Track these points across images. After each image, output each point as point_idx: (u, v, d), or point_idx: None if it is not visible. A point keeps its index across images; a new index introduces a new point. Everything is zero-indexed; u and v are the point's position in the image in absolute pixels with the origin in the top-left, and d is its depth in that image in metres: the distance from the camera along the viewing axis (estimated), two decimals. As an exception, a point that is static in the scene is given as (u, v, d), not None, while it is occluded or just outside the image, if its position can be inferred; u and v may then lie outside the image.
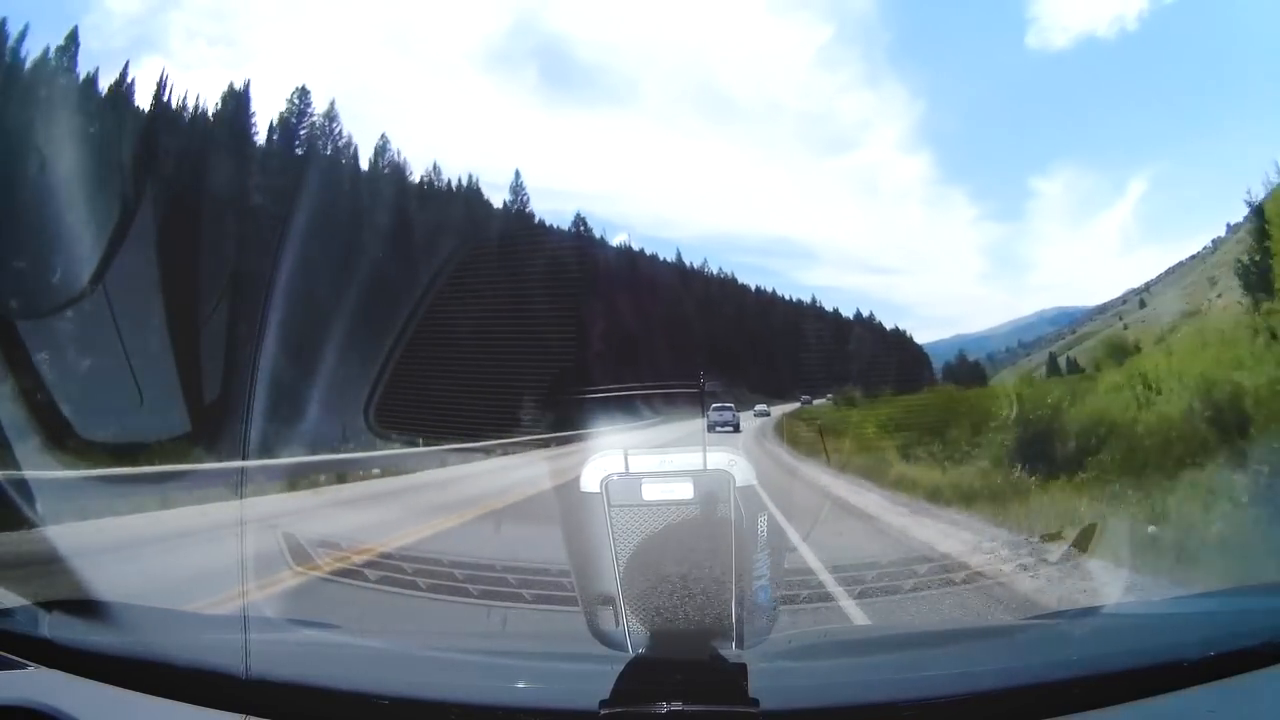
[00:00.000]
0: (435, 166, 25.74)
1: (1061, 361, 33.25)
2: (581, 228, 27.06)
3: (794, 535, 5.81)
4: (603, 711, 1.22)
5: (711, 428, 19.77)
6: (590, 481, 1.33)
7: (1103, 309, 40.27)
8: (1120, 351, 21.20)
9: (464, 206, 23.64)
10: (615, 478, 1.32)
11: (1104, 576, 4.22)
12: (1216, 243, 40.03)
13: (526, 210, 26.44)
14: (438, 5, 41.79)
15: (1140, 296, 38.77)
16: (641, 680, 1.25)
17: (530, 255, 21.84)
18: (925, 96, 49.36)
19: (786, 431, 19.81)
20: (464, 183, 25.33)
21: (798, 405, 26.76)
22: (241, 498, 7.40)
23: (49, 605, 1.86)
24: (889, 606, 4.06)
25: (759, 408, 25.89)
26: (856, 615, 3.92)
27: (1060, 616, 2.82)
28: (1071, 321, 40.87)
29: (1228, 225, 39.77)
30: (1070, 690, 1.35)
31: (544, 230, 25.77)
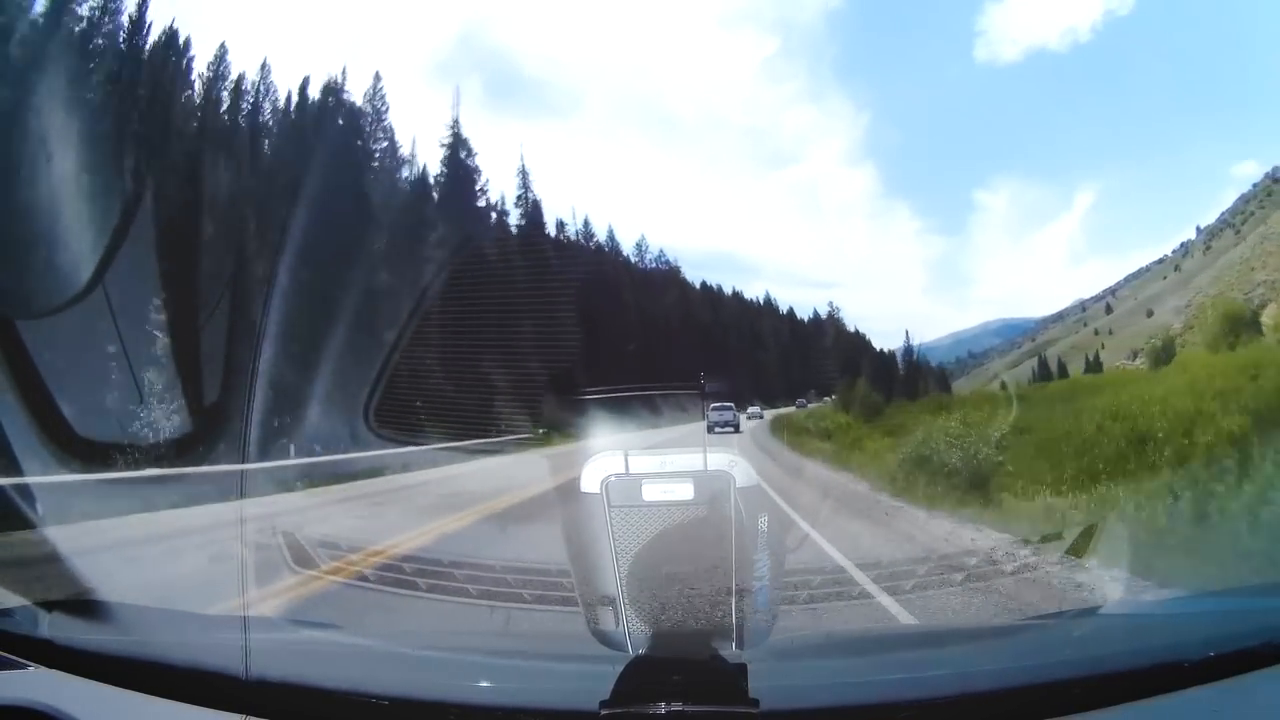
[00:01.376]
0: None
1: (1028, 367, 33.56)
2: (561, 232, 26.95)
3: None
4: (603, 711, 1.22)
5: (711, 428, 19.43)
6: (590, 482, 1.33)
7: (1060, 316, 40.51)
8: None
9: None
10: (615, 478, 1.32)
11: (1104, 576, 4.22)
12: (1187, 245, 40.45)
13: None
14: (386, 16, 41.71)
15: (1106, 301, 39.02)
16: (641, 680, 1.25)
17: (520, 261, 21.81)
18: (870, 110, 49.39)
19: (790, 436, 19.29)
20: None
21: (792, 409, 26.71)
22: (242, 497, 7.41)
23: (49, 605, 1.86)
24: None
25: (752, 410, 25.61)
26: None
27: (1060, 616, 2.82)
28: (1016, 333, 41.03)
29: (1198, 228, 40.27)
30: (1070, 690, 1.35)
31: (539, 235, 25.72)
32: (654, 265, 29.84)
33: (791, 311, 32.24)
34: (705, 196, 48.72)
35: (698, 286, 31.67)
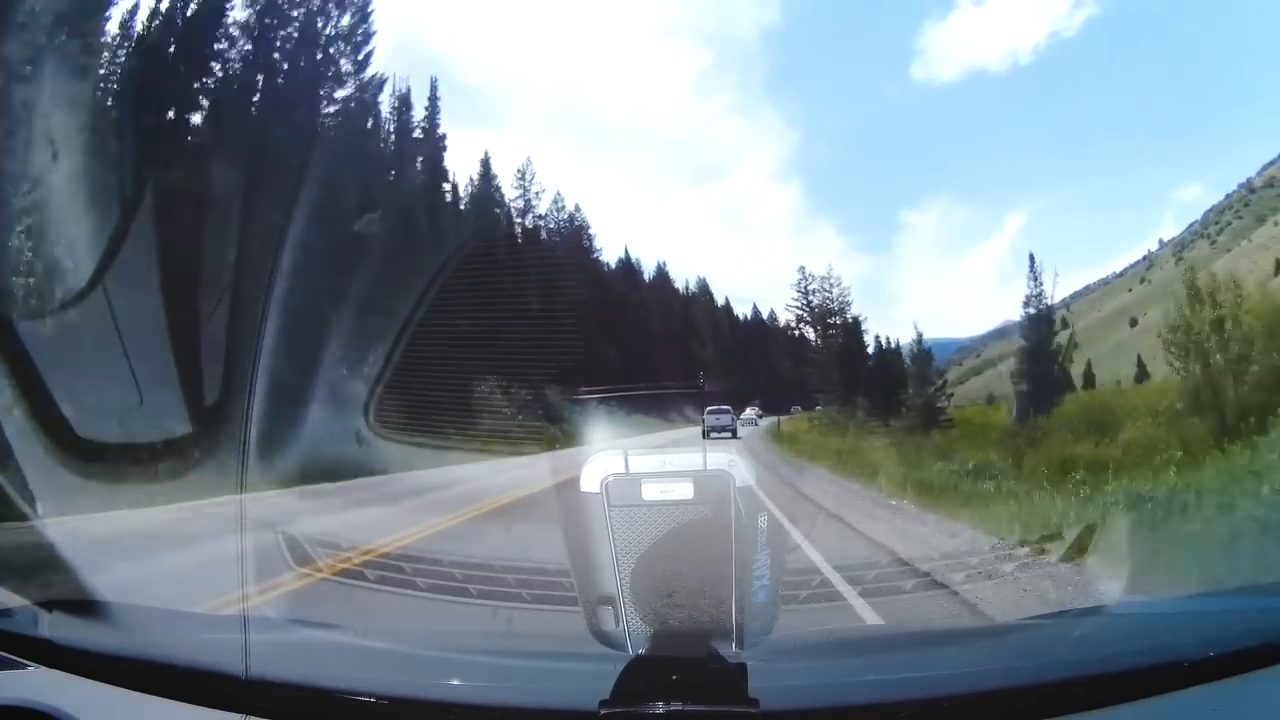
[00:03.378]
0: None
1: (977, 384, 33.42)
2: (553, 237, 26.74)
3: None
4: (603, 711, 1.22)
5: (707, 434, 18.26)
6: (590, 482, 1.33)
7: (1001, 333, 40.70)
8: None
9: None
10: (615, 478, 1.32)
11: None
12: (1150, 256, 40.68)
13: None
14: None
15: (1061, 315, 39.15)
16: (641, 680, 1.25)
17: (518, 260, 21.63)
18: (801, 126, 48.77)
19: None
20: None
21: (786, 416, 25.33)
22: (242, 497, 7.39)
23: (49, 605, 1.86)
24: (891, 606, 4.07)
25: (748, 413, 23.77)
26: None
27: (1060, 616, 2.82)
28: (943, 351, 40.88)
29: (1160, 241, 40.53)
30: (1070, 690, 1.35)
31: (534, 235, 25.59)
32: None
33: (765, 316, 31.71)
34: (632, 208, 48.22)
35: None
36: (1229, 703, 1.34)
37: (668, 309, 30.03)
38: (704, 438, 17.72)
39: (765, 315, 31.33)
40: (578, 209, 27.10)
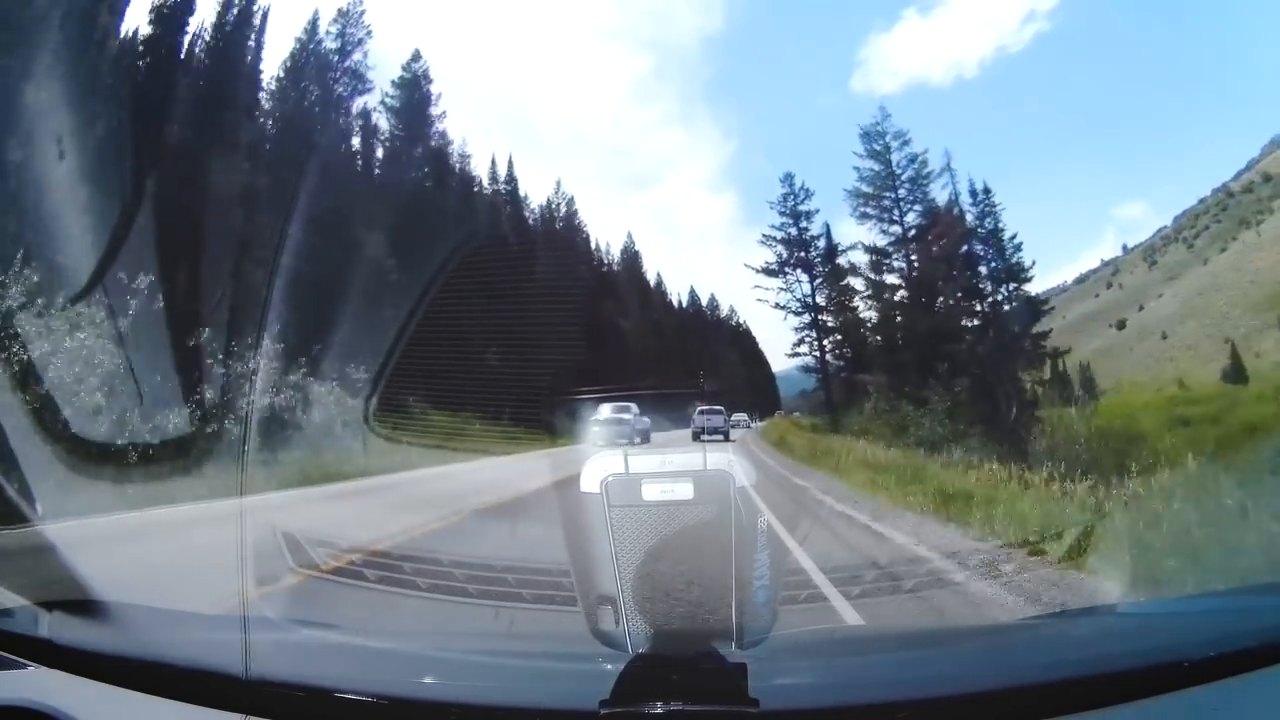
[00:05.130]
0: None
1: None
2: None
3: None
4: (603, 711, 1.22)
5: (697, 435, 16.79)
6: (590, 482, 1.33)
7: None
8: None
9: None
10: (615, 478, 1.32)
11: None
12: (1115, 263, 40.13)
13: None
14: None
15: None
16: (641, 680, 1.25)
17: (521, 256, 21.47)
18: (737, 136, 48.75)
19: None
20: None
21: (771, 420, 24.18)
22: (241, 496, 7.40)
23: (49, 605, 1.85)
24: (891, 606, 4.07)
25: (736, 417, 22.00)
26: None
27: (1060, 616, 2.82)
28: None
29: (1124, 247, 40.80)
30: (1070, 690, 1.35)
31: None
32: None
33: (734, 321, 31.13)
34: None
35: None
36: (1229, 703, 1.34)
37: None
38: (694, 440, 16.46)
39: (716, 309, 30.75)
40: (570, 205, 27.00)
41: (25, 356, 9.29)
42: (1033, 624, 2.69)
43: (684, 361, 27.38)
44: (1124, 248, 42.54)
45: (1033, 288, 17.46)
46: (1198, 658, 1.39)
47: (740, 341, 29.45)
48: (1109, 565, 4.27)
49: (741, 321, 30.03)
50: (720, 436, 17.28)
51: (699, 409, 18.09)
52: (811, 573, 4.35)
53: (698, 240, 44.84)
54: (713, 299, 30.72)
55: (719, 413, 18.12)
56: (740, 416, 22.42)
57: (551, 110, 46.76)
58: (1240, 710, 1.35)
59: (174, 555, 5.78)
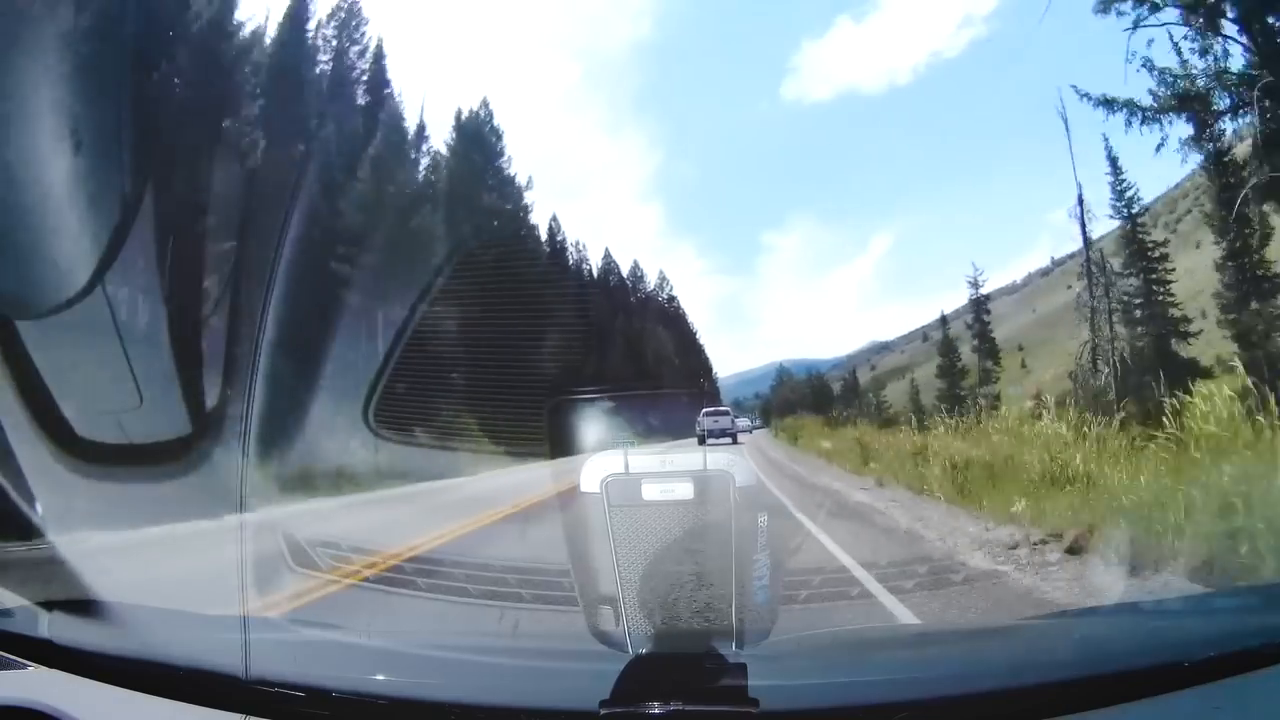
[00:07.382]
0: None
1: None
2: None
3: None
4: (603, 711, 1.22)
5: (703, 439, 16.41)
6: (590, 482, 1.33)
7: (893, 345, 39.30)
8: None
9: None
10: (615, 478, 1.32)
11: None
12: (1081, 254, 40.47)
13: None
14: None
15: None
16: (641, 680, 1.25)
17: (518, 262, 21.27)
18: (664, 145, 49.07)
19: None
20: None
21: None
22: (242, 496, 7.38)
23: (49, 605, 1.85)
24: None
25: (742, 421, 21.30)
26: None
27: (1060, 616, 2.82)
28: (805, 373, 39.74)
29: (1052, 259, 39.90)
30: (1070, 690, 1.35)
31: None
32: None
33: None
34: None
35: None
36: (1229, 703, 1.34)
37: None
38: (700, 444, 16.10)
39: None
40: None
41: (26, 357, 9.26)
42: (1033, 624, 2.69)
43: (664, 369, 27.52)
44: (1052, 259, 41.10)
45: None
46: (1198, 657, 1.38)
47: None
48: None
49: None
50: (728, 439, 16.80)
51: (703, 411, 17.75)
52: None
53: (624, 250, 44.89)
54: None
55: (725, 414, 17.78)
56: (744, 422, 21.88)
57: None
58: (1242, 710, 1.35)
59: (172, 556, 5.78)
